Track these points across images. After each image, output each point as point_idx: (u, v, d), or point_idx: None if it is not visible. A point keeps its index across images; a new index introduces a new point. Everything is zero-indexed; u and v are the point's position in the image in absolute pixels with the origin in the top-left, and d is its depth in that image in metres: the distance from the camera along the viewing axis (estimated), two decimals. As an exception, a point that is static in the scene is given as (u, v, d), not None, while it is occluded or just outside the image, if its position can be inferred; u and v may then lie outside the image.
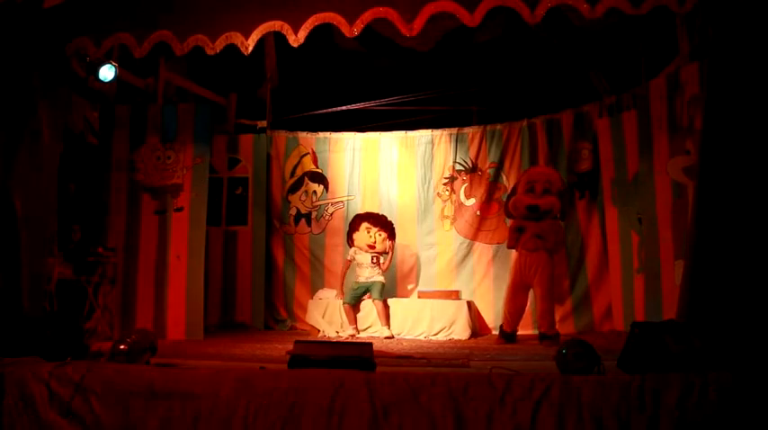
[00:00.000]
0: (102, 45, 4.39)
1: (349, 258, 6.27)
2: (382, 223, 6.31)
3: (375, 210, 7.10)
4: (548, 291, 5.34)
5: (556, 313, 6.22)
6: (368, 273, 6.06)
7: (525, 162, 6.70)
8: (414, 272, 7.00)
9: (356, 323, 6.02)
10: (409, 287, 6.94)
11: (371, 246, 6.14)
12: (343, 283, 6.34)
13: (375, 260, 6.10)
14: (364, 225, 6.25)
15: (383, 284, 6.05)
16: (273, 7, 4.16)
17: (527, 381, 2.79)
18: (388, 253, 6.25)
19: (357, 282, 6.07)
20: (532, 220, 5.43)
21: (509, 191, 6.04)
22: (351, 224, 6.44)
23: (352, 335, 5.89)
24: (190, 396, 2.95)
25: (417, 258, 7.02)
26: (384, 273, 6.15)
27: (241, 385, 2.95)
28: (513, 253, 5.80)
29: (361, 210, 7.06)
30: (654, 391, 2.67)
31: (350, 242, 6.33)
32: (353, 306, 6.03)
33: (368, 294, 6.07)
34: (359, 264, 6.12)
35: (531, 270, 5.36)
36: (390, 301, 6.49)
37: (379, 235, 6.19)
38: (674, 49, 5.00)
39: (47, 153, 4.48)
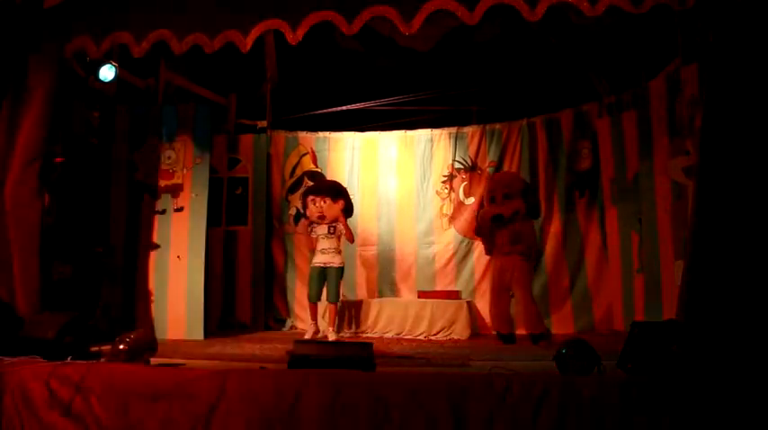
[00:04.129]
0: (101, 45, 4.40)
1: (312, 234, 5.98)
2: (324, 190, 6.07)
3: (374, 209, 7.12)
4: (527, 292, 5.37)
5: (556, 313, 6.26)
6: (325, 244, 5.80)
7: (525, 161, 6.71)
8: (413, 270, 7.00)
9: (316, 320, 5.86)
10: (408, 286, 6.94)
11: (321, 216, 5.89)
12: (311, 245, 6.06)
13: (332, 230, 5.86)
14: (309, 198, 6.01)
15: (340, 273, 5.83)
16: (272, 6, 4.16)
17: (527, 381, 2.79)
18: (340, 219, 5.97)
19: (313, 266, 5.82)
20: (502, 228, 5.45)
21: (484, 202, 5.93)
22: (302, 203, 6.24)
23: (315, 333, 5.76)
24: (190, 396, 2.95)
25: (416, 257, 7.01)
26: (341, 249, 5.88)
27: (241, 385, 2.95)
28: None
29: (360, 210, 7.07)
30: (654, 391, 2.67)
31: (307, 220, 6.10)
32: (317, 302, 5.83)
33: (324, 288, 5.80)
34: (317, 237, 5.88)
35: (508, 273, 5.41)
36: (390, 301, 6.50)
37: (324, 202, 5.91)
38: (673, 50, 5.00)
39: (41, 151, 4.48)
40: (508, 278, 5.42)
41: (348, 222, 5.97)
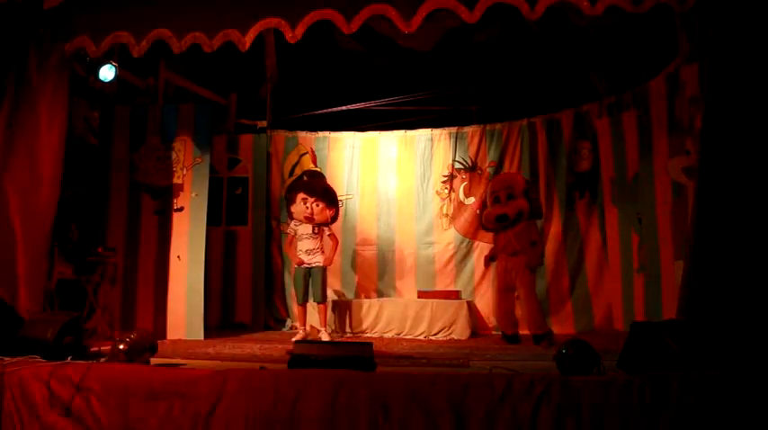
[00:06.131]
0: (101, 44, 4.40)
1: (290, 232, 5.85)
2: (319, 192, 5.91)
3: (374, 209, 7.11)
4: (531, 292, 5.36)
5: (556, 313, 6.26)
6: (308, 245, 5.69)
7: (525, 161, 6.71)
8: (413, 270, 7.00)
9: (305, 324, 5.79)
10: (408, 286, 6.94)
11: (309, 218, 5.77)
12: (293, 253, 5.88)
13: (317, 231, 5.76)
14: (300, 196, 5.83)
15: (324, 272, 5.71)
16: (271, 4, 4.16)
17: (527, 381, 2.79)
18: (329, 223, 5.86)
19: (298, 268, 5.71)
20: (508, 229, 5.46)
21: (487, 201, 5.89)
22: (287, 196, 6.13)
23: (307, 335, 5.69)
24: (190, 396, 2.95)
25: (416, 257, 7.01)
26: (324, 249, 5.78)
27: (241, 385, 2.95)
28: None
29: (359, 209, 7.06)
30: (654, 391, 2.67)
31: (289, 215, 5.99)
32: (305, 304, 5.75)
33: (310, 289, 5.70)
34: (299, 236, 5.78)
35: (512, 273, 5.41)
36: (390, 301, 6.49)
37: (317, 205, 5.78)
38: (674, 49, 5.00)
39: (45, 151, 4.48)
40: (512, 278, 5.41)
41: (347, 222, 5.94)
